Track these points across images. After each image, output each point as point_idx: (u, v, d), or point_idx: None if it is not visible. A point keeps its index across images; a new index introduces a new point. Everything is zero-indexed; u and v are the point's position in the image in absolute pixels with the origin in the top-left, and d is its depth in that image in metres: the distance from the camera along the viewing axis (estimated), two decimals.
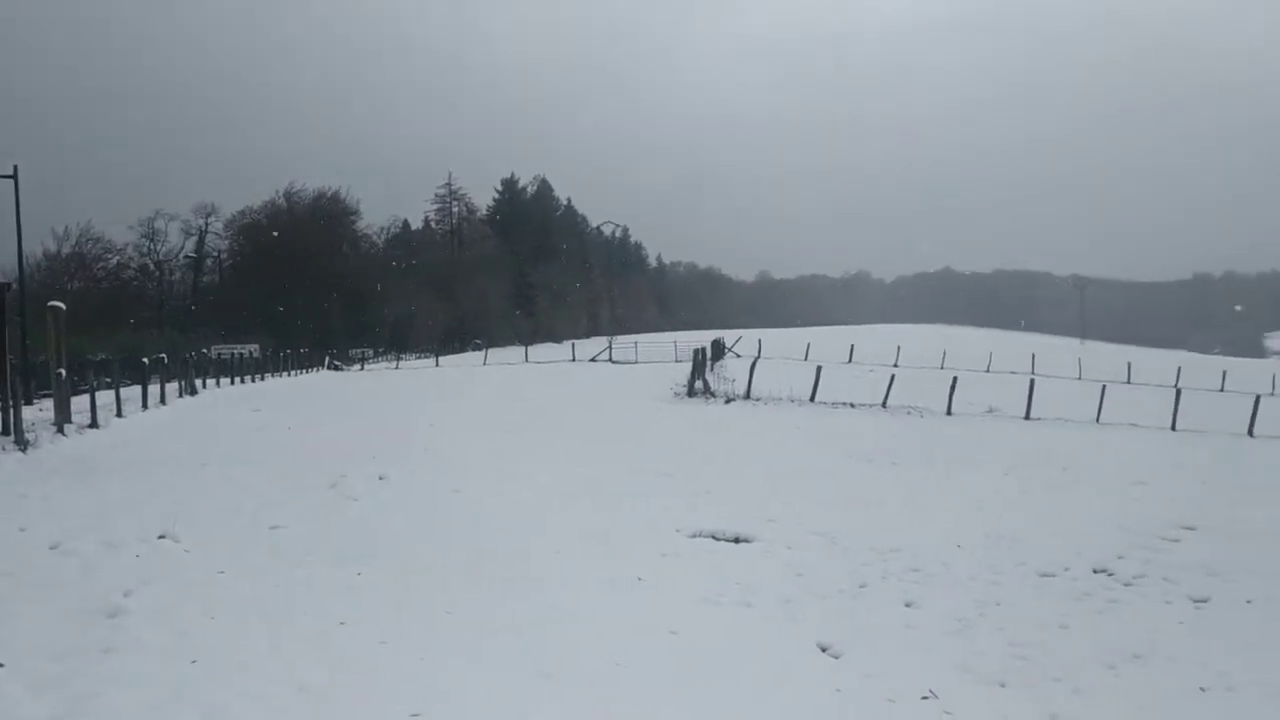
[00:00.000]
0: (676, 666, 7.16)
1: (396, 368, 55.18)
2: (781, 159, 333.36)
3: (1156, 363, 64.93)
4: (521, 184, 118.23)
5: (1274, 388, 47.38)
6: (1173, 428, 26.46)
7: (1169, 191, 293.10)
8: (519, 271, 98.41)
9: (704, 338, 51.40)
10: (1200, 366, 63.92)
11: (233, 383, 36.15)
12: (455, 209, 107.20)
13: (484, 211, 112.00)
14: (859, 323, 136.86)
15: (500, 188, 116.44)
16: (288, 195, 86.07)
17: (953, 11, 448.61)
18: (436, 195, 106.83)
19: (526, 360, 54.30)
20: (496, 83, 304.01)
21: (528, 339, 74.77)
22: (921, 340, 75.01)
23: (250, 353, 49.00)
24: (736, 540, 11.76)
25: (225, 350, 48.74)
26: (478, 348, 68.95)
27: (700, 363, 32.63)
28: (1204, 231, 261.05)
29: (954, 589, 9.87)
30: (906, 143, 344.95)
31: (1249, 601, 9.95)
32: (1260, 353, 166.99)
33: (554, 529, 11.75)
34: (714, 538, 11.85)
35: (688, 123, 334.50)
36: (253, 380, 38.47)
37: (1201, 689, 7.26)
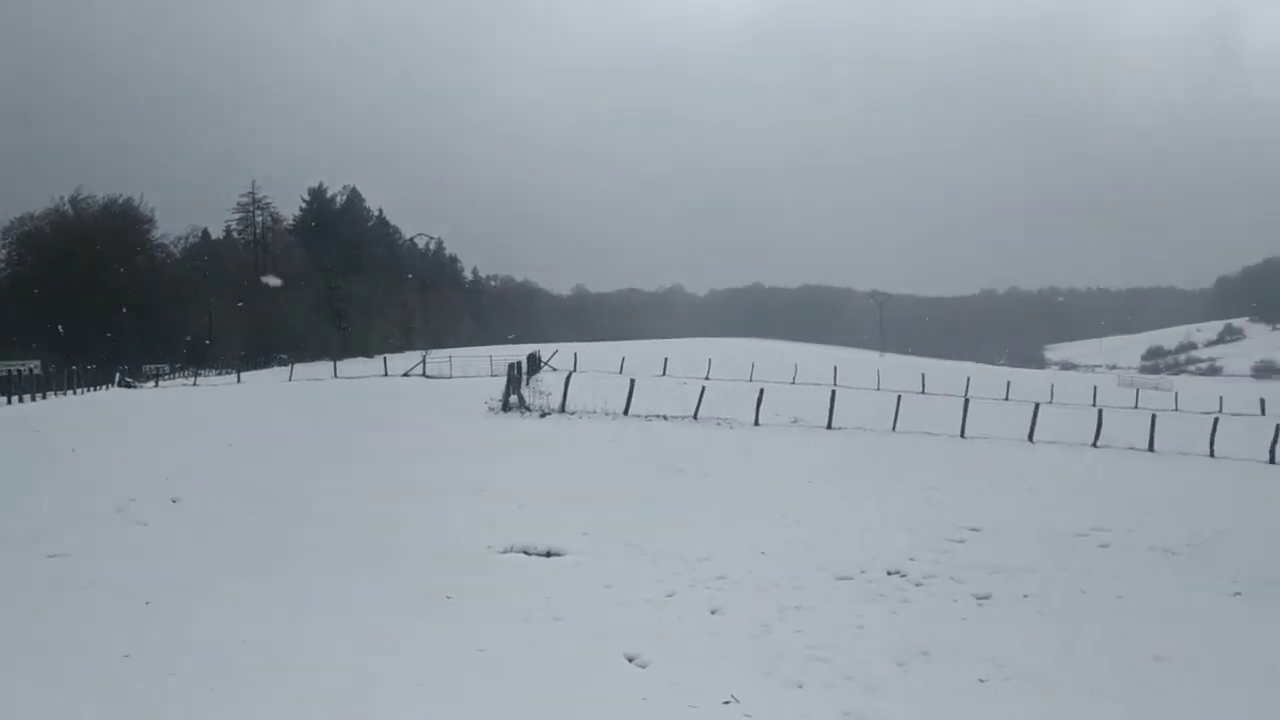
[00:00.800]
0: (482, 685, 7.08)
1: (194, 385, 52.49)
2: (596, 174, 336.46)
3: (948, 373, 68.87)
4: (330, 194, 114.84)
5: (1052, 396, 51.03)
6: (961, 435, 28.10)
7: (963, 214, 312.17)
8: (328, 284, 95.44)
9: (520, 352, 51.24)
10: (987, 377, 68.35)
11: (9, 402, 33.57)
12: (259, 218, 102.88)
13: (291, 221, 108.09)
14: (673, 336, 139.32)
15: (308, 197, 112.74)
16: (74, 202, 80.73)
17: (774, 32, 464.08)
18: (239, 204, 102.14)
19: (336, 376, 52.67)
20: (294, 86, 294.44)
21: (338, 354, 72.56)
22: (732, 353, 76.97)
23: (30, 370, 45.61)
24: (548, 554, 11.74)
25: None
26: (284, 363, 66.39)
27: (515, 377, 32.49)
28: (992, 251, 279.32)
29: (758, 594, 10.16)
30: (721, 160, 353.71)
31: (1025, 596, 10.66)
32: (1041, 363, 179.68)
33: (360, 548, 11.43)
34: (525, 552, 11.80)
35: (506, 138, 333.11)
36: (32, 399, 35.82)
37: (980, 680, 7.73)
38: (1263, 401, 57.51)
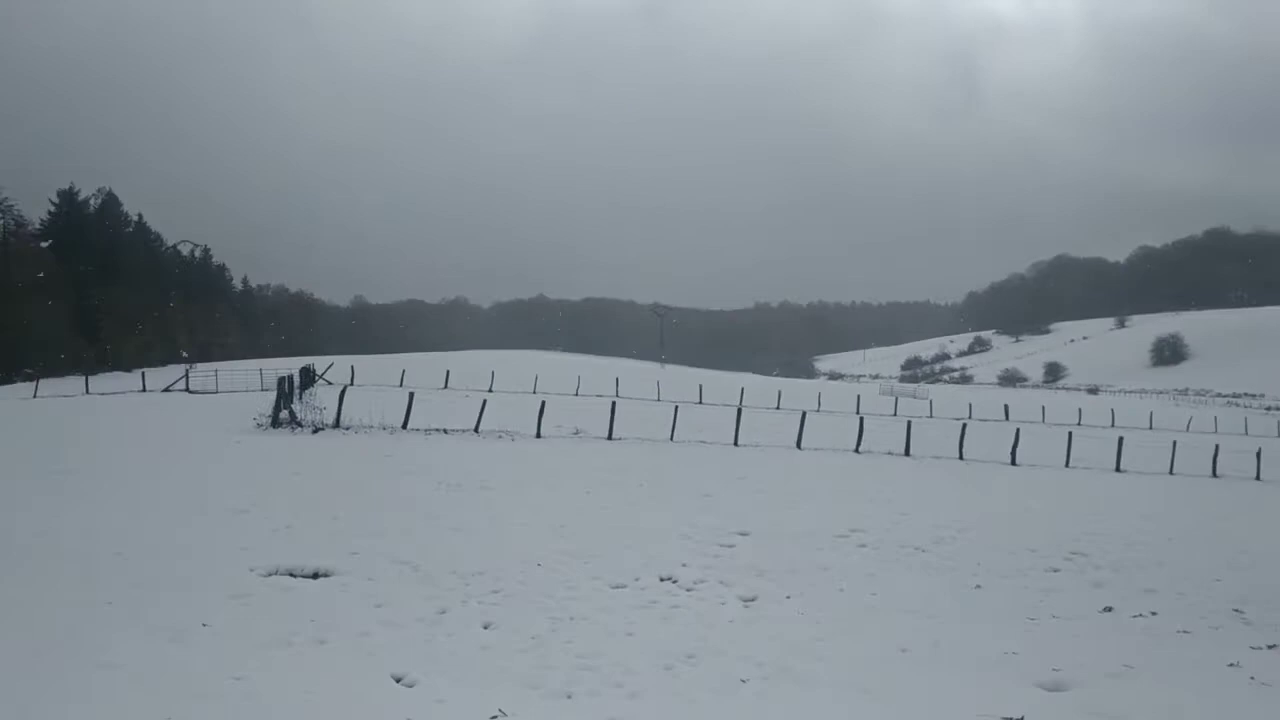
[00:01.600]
0: (234, 714, 6.74)
1: None
2: (381, 184, 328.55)
3: (726, 384, 71.14)
4: (83, 196, 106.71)
5: (819, 405, 53.62)
6: (735, 443, 29.10)
7: (739, 232, 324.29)
8: (80, 293, 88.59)
9: (294, 364, 49.15)
10: (762, 387, 71.04)
11: None
12: (1, 221, 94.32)
13: (38, 225, 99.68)
14: (456, 348, 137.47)
15: (56, 200, 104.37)
16: None
17: (551, 54, 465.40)
18: None
19: (87, 392, 48.92)
20: (47, 81, 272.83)
21: (91, 368, 67.42)
22: (516, 365, 76.72)
23: None
24: (315, 575, 11.32)
25: None
26: (29, 378, 61.10)
27: (286, 391, 31.17)
28: (766, 268, 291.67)
29: (531, 607, 10.16)
30: (500, 174, 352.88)
31: (788, 597, 11.15)
32: (811, 374, 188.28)
33: (106, 579, 10.64)
34: (291, 574, 11.33)
35: (282, 146, 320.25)
36: None
37: (742, 680, 8.02)
38: (1006, 408, 62.58)
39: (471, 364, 74.37)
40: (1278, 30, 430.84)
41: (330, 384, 47.50)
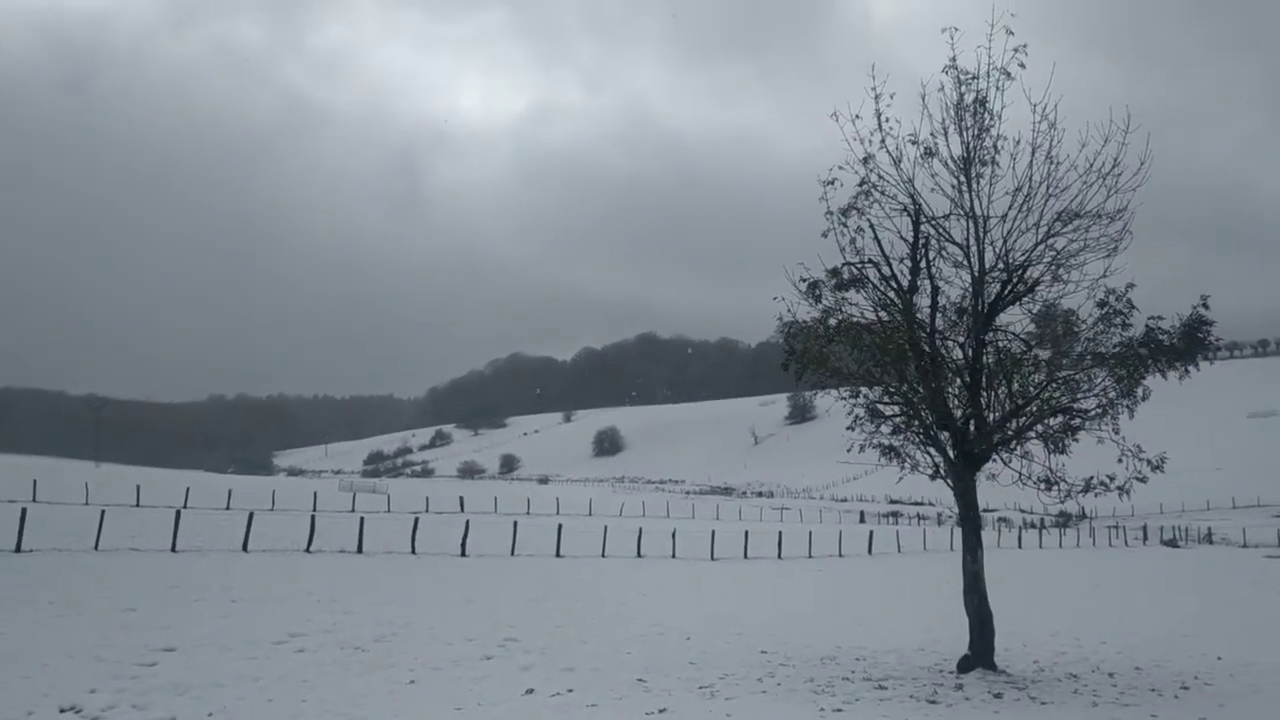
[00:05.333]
0: None
1: None
2: None
3: (170, 483, 65.69)
4: None
5: (273, 504, 51.44)
6: (173, 549, 26.85)
7: (191, 321, 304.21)
8: None
9: None
10: (211, 485, 66.60)
11: None
12: None
13: None
14: None
15: None
16: None
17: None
18: None
19: None
20: None
21: None
22: None
23: None
24: None
25: None
26: None
27: None
28: (222, 357, 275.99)
29: None
30: None
31: (210, 715, 10.47)
32: (270, 470, 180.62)
33: None
34: None
35: None
36: None
37: None
38: (462, 499, 64.81)
39: None
40: (658, 161, 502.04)
41: None
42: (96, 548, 26.29)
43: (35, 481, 51.53)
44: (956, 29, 12.63)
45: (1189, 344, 12.58)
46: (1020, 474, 13.49)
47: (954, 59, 12.82)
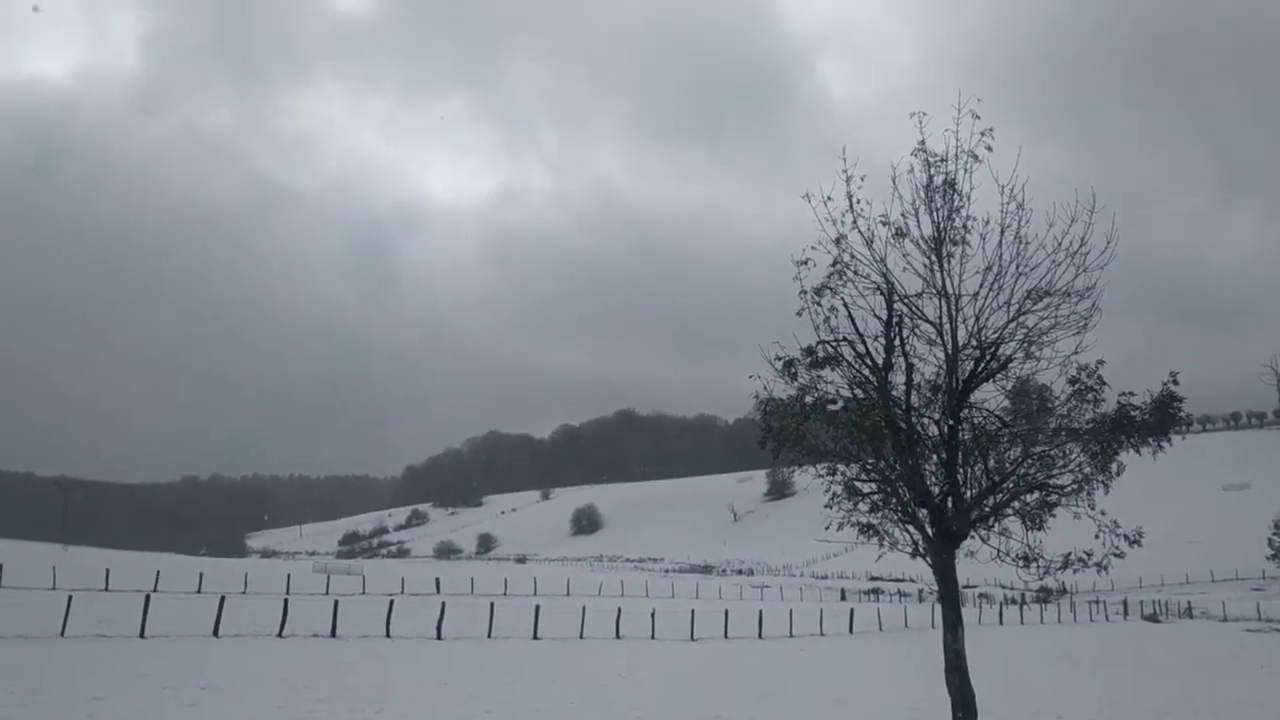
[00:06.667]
0: None
1: None
2: None
3: (140, 566, 64.43)
4: None
5: (246, 586, 50.54)
6: (142, 635, 26.28)
7: (164, 401, 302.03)
8: None
9: None
10: (183, 568, 65.38)
11: None
12: None
13: None
14: None
15: None
16: None
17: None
18: None
19: None
20: None
21: None
22: None
23: None
24: None
25: None
26: None
27: None
28: (196, 438, 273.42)
29: None
30: None
31: None
32: (243, 552, 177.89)
33: None
34: None
35: None
36: None
37: None
38: (438, 581, 63.89)
39: None
40: (622, 243, 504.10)
41: None
42: (63, 634, 25.72)
43: (1, 566, 50.47)
44: (925, 113, 12.95)
45: (1161, 420, 12.70)
46: (999, 551, 13.47)
47: (923, 142, 13.09)
